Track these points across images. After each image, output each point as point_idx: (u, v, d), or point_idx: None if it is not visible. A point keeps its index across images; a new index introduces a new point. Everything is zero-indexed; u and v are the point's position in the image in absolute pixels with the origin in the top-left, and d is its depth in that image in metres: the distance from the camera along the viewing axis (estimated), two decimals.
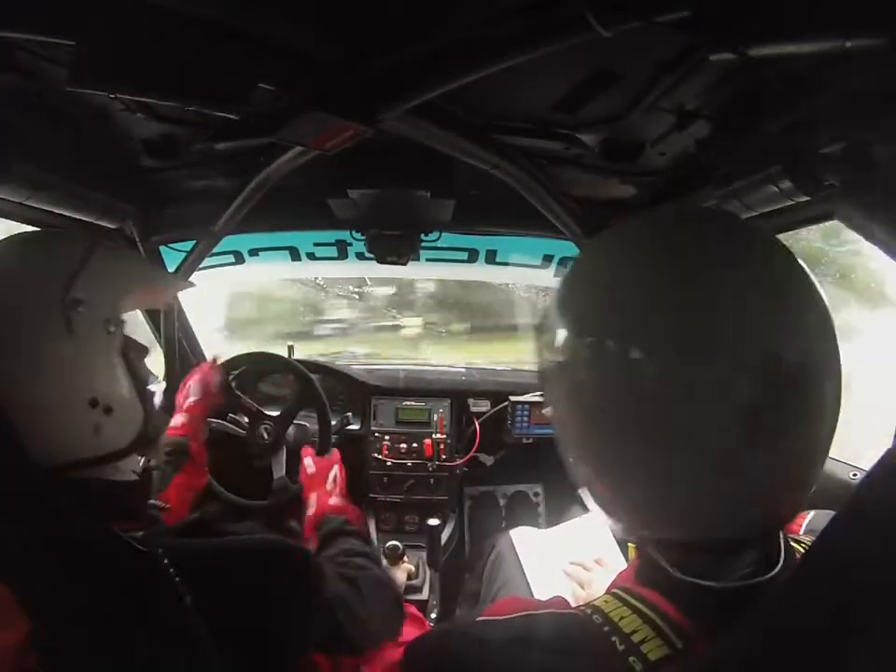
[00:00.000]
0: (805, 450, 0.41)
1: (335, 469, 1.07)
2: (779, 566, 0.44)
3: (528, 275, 1.65)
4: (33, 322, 0.56)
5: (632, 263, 0.45)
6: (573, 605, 0.51)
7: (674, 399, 0.40)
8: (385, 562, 1.21)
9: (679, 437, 0.40)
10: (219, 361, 1.27)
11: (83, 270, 0.60)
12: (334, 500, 0.99)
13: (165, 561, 0.48)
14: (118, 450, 0.60)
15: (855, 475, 0.96)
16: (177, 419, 1.10)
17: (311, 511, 0.96)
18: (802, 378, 0.39)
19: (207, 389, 1.16)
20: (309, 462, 1.10)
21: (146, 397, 0.65)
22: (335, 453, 1.15)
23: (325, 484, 1.03)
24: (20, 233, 0.67)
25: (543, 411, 0.53)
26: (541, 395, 0.52)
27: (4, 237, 0.66)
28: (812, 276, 0.43)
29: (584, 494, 0.50)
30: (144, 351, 0.68)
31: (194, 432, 1.08)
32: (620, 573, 0.57)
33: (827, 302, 0.42)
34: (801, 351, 0.40)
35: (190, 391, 1.15)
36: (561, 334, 0.46)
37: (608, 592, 0.50)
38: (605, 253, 0.50)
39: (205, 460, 1.08)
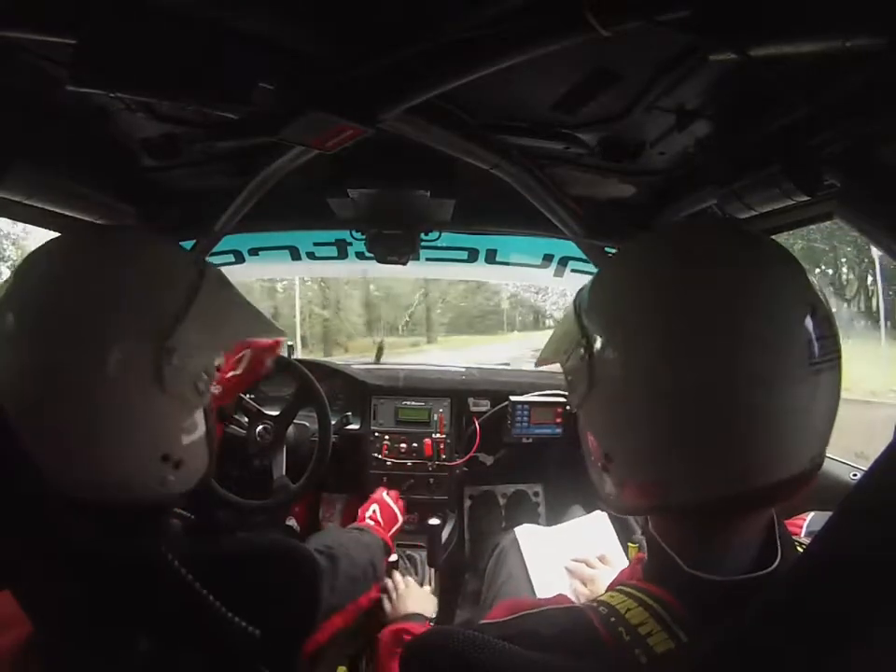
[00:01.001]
0: (832, 388, 0.45)
1: (373, 506, 1.15)
2: (778, 559, 0.45)
3: (528, 275, 1.65)
4: (119, 361, 0.48)
5: (658, 270, 0.49)
6: (575, 602, 0.51)
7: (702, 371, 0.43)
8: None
9: (704, 400, 0.43)
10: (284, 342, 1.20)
11: (186, 315, 0.51)
12: (371, 525, 1.07)
13: (175, 563, 0.48)
14: (173, 496, 0.57)
15: (855, 475, 0.96)
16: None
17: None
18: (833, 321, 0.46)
19: (256, 368, 1.09)
20: (377, 510, 1.18)
21: (212, 446, 0.61)
22: (379, 491, 1.23)
23: (364, 521, 1.11)
24: (122, 235, 0.55)
25: (569, 405, 0.55)
26: (570, 385, 0.54)
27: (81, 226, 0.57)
28: (815, 280, 0.48)
29: (603, 479, 0.52)
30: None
31: (224, 406, 1.06)
32: (621, 571, 0.57)
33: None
34: (826, 307, 0.45)
35: (238, 363, 1.07)
36: (600, 335, 0.50)
37: (612, 588, 0.51)
38: (636, 260, 0.53)
39: (219, 439, 1.06)
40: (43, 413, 0.47)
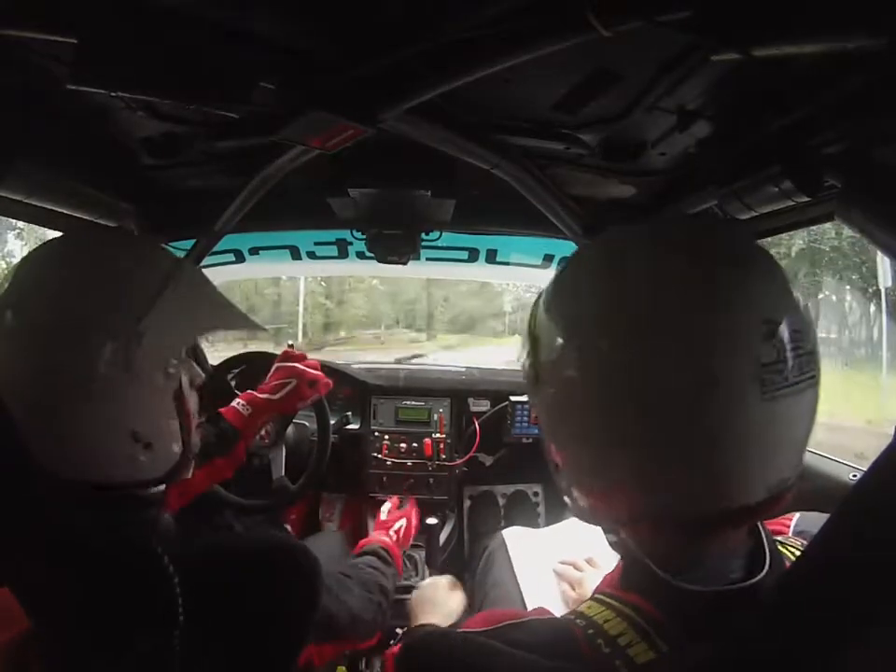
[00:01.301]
0: (799, 411, 0.42)
1: (402, 522, 1.16)
2: (766, 569, 0.44)
3: (528, 275, 1.65)
4: (94, 345, 0.53)
5: (616, 268, 0.46)
6: (563, 604, 0.51)
7: (657, 379, 0.41)
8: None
9: (670, 415, 0.41)
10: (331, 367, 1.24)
11: (157, 302, 0.56)
12: (384, 538, 1.07)
13: (165, 559, 0.48)
14: (147, 480, 0.60)
15: (854, 476, 0.96)
16: (239, 403, 1.04)
17: (362, 541, 1.06)
18: (803, 337, 0.42)
19: (294, 401, 1.10)
20: (385, 510, 1.25)
21: (188, 435, 0.63)
22: (411, 507, 1.28)
23: (388, 531, 1.12)
24: (103, 233, 0.63)
25: (531, 407, 0.54)
26: (527, 392, 0.53)
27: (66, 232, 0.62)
28: (783, 270, 0.45)
29: (571, 494, 0.50)
30: (199, 379, 0.66)
31: (249, 429, 1.03)
32: (603, 579, 0.57)
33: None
34: (794, 322, 0.42)
35: (277, 388, 1.08)
36: (553, 335, 0.47)
37: (591, 597, 0.50)
38: (595, 258, 0.51)
39: (238, 464, 1.04)
40: (20, 393, 0.50)
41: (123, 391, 0.55)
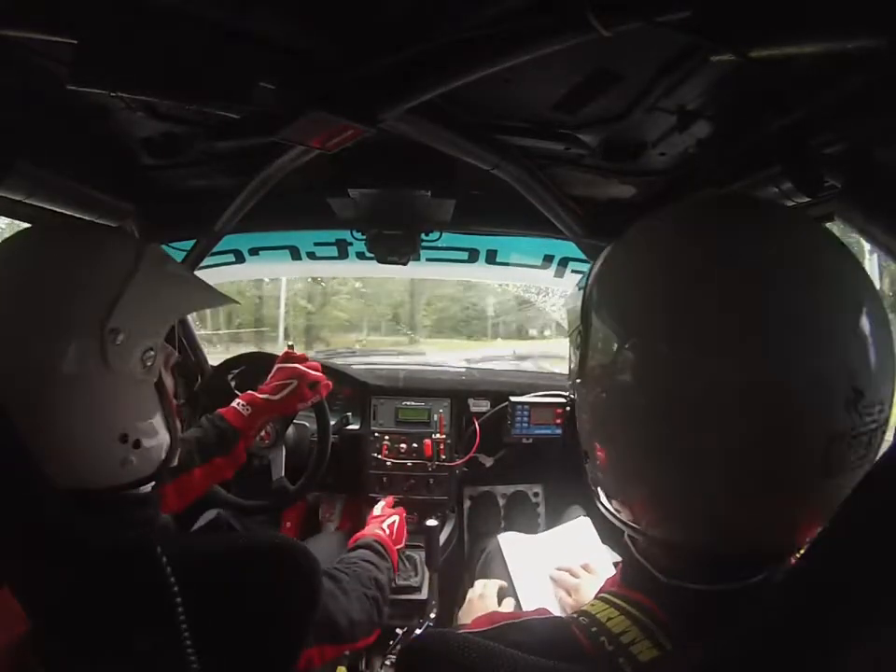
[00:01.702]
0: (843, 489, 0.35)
1: (394, 518, 1.17)
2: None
3: (529, 275, 1.65)
4: (66, 347, 0.51)
5: (671, 261, 0.42)
6: (559, 611, 0.51)
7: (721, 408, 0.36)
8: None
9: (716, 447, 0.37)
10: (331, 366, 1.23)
11: (125, 293, 0.54)
12: (378, 531, 1.08)
13: (164, 560, 0.48)
14: (140, 478, 0.59)
15: None
16: (239, 403, 1.04)
17: (356, 535, 1.07)
18: (886, 407, 0.36)
19: (294, 402, 1.10)
20: (378, 507, 1.27)
21: (173, 423, 0.63)
22: (401, 509, 1.28)
23: (382, 524, 1.12)
24: (55, 225, 0.59)
25: (559, 399, 0.53)
26: (571, 388, 0.51)
27: (25, 228, 0.58)
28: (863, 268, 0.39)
29: (600, 489, 0.49)
30: (172, 358, 0.65)
31: (249, 429, 1.03)
32: (607, 579, 0.57)
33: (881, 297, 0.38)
34: (887, 380, 0.36)
35: (278, 389, 1.08)
36: (600, 334, 0.46)
37: (596, 596, 0.50)
38: (648, 252, 0.46)
39: (238, 465, 1.03)
40: (11, 400, 0.48)
41: (105, 391, 0.53)
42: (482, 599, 0.96)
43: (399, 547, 1.10)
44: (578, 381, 0.49)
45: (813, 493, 0.36)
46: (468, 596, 1.00)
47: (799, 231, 0.41)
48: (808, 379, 0.34)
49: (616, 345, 0.42)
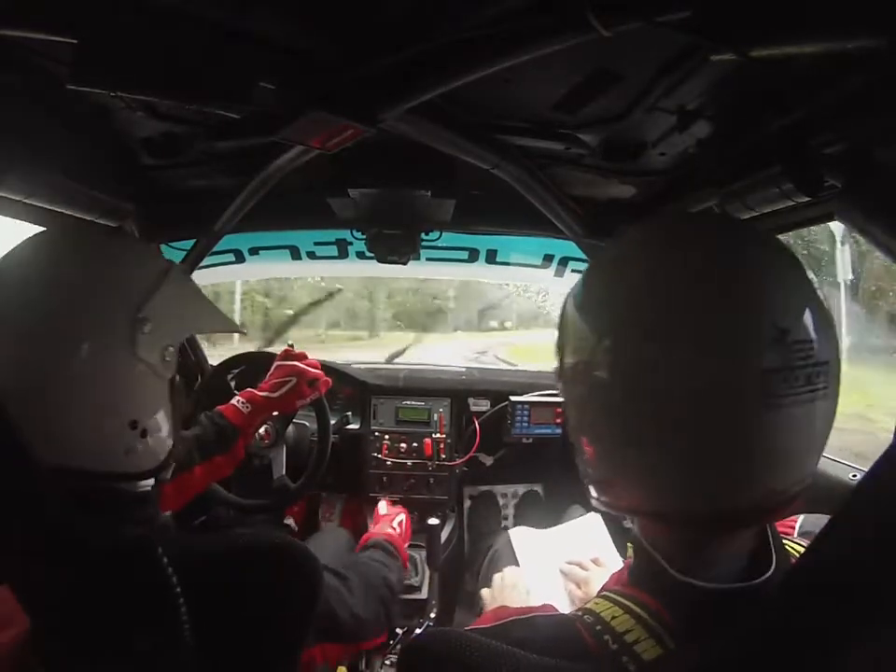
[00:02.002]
0: (807, 422, 0.41)
1: (402, 516, 1.17)
2: (772, 568, 0.44)
3: (529, 275, 1.65)
4: (97, 328, 0.55)
5: (649, 266, 0.46)
6: (570, 604, 0.51)
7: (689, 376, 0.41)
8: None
9: (694, 414, 0.41)
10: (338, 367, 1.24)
11: (158, 291, 0.59)
12: (388, 530, 1.08)
13: (164, 560, 0.48)
14: (139, 472, 0.60)
15: (854, 476, 0.96)
16: (238, 401, 1.05)
17: (365, 535, 1.07)
18: (816, 347, 0.41)
19: (293, 399, 1.10)
20: (382, 505, 1.26)
21: (176, 424, 0.64)
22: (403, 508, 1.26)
23: (391, 523, 1.12)
24: (100, 228, 0.66)
25: (559, 398, 0.54)
26: (560, 382, 0.53)
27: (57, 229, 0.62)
28: (807, 270, 0.45)
29: (584, 473, 0.51)
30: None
31: (248, 427, 1.03)
32: (611, 576, 0.57)
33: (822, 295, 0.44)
34: (806, 330, 0.41)
35: (277, 387, 1.08)
36: (583, 332, 0.48)
37: (599, 594, 0.50)
38: (626, 256, 0.50)
39: (237, 462, 1.04)
40: (23, 381, 0.52)
41: (125, 376, 0.56)
42: (505, 590, 0.96)
43: (407, 545, 1.10)
44: (562, 378, 0.51)
45: (759, 428, 0.40)
46: (492, 587, 0.99)
47: (738, 239, 0.47)
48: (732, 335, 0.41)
49: (593, 343, 0.46)
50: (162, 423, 0.62)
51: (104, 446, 0.56)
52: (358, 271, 1.92)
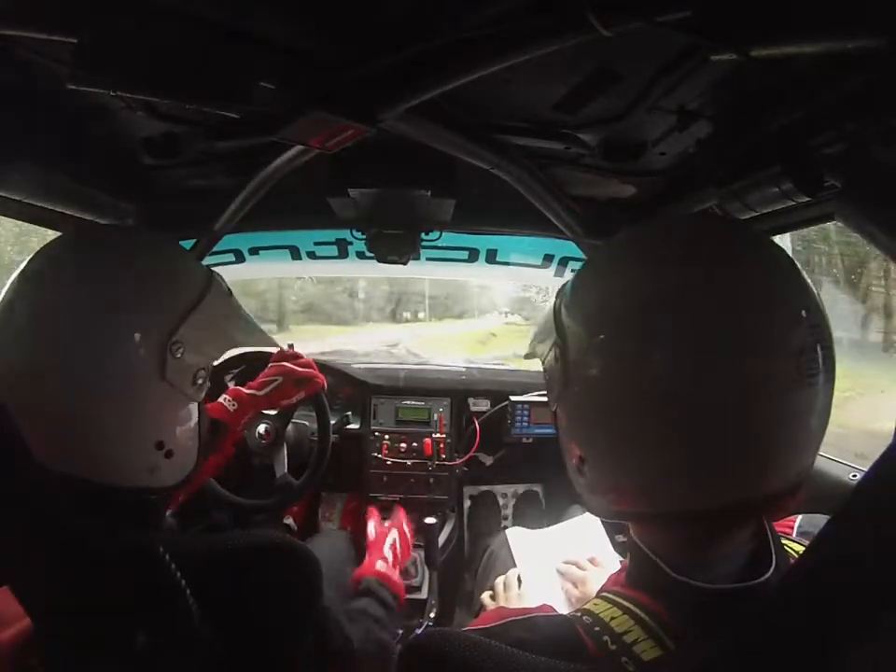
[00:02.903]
0: (800, 421, 0.43)
1: (394, 534, 1.11)
2: (772, 568, 0.44)
3: (529, 275, 1.65)
4: (130, 350, 0.53)
5: (641, 266, 0.47)
6: (566, 604, 0.51)
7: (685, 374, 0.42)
8: None
9: (688, 410, 0.42)
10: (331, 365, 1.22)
11: (195, 311, 0.56)
12: (381, 566, 1.02)
13: (167, 558, 0.48)
14: (161, 487, 0.60)
15: (854, 476, 0.96)
16: (225, 399, 1.05)
17: (358, 570, 1.01)
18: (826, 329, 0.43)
19: (279, 398, 1.10)
20: (371, 528, 1.15)
21: (202, 445, 0.64)
22: (399, 513, 1.22)
23: (382, 550, 1.06)
24: (139, 237, 0.60)
25: (549, 402, 0.54)
26: (547, 382, 0.53)
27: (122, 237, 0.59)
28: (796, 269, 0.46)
29: (578, 481, 0.51)
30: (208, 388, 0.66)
31: (234, 424, 1.03)
32: (609, 577, 0.57)
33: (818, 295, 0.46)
34: (820, 311, 0.44)
35: (263, 385, 1.09)
36: (578, 333, 0.48)
37: (597, 595, 0.50)
38: (617, 256, 0.51)
39: (227, 460, 1.04)
40: (49, 398, 0.51)
41: (154, 399, 0.55)
42: (504, 591, 0.96)
43: (408, 561, 1.08)
44: (552, 381, 0.51)
45: (793, 406, 0.42)
46: (493, 589, 0.99)
47: (741, 243, 0.48)
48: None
49: (591, 345, 0.46)
50: (189, 444, 0.61)
51: (129, 463, 0.56)
52: (358, 271, 1.93)
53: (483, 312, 5.58)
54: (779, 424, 0.41)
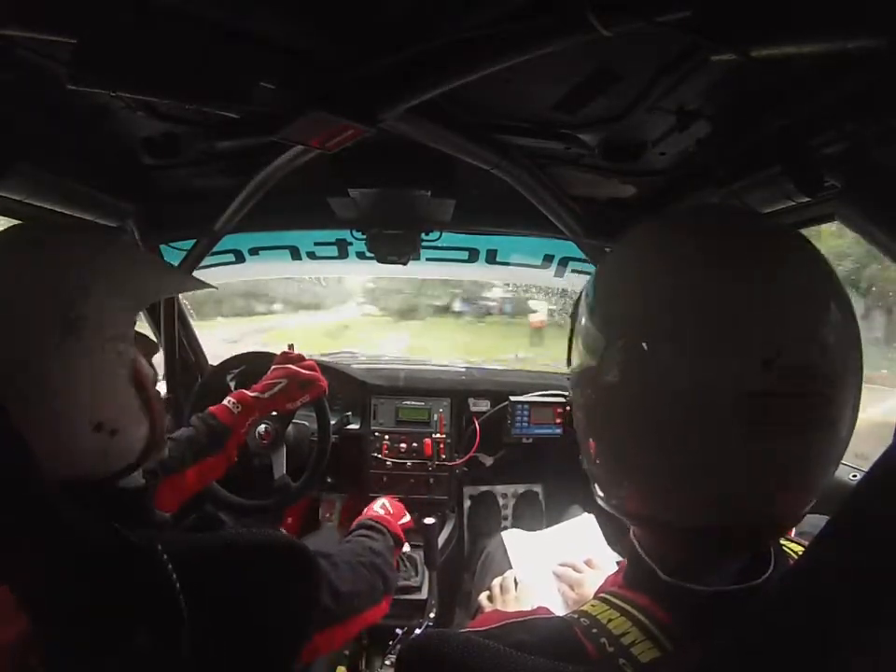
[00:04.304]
0: (813, 450, 0.40)
1: (383, 500, 1.09)
2: (770, 569, 0.44)
3: (529, 275, 1.65)
4: (32, 338, 0.52)
5: (663, 264, 0.44)
6: (563, 606, 0.51)
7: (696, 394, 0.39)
8: None
9: (696, 428, 0.40)
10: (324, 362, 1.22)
11: (90, 282, 0.55)
12: (374, 512, 1.03)
13: (164, 558, 0.48)
14: (127, 465, 0.59)
15: (854, 476, 0.96)
16: (229, 401, 1.05)
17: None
18: (818, 375, 0.38)
19: (283, 401, 1.11)
20: (386, 502, 1.10)
21: (152, 406, 0.62)
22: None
23: (373, 507, 1.05)
24: (14, 227, 0.60)
25: (559, 398, 0.54)
26: (572, 383, 0.52)
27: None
28: (838, 278, 0.42)
29: (592, 474, 0.50)
30: (153, 349, 0.65)
31: (238, 426, 1.03)
32: (607, 578, 0.57)
33: (852, 306, 0.41)
34: (818, 349, 0.39)
35: (267, 388, 1.09)
36: (595, 334, 0.47)
37: (595, 597, 0.50)
38: (642, 254, 0.48)
39: (229, 463, 1.04)
40: None
41: (77, 380, 0.54)
42: (501, 594, 0.95)
43: (403, 521, 1.05)
44: (576, 381, 0.50)
45: (744, 457, 0.39)
46: (490, 592, 0.98)
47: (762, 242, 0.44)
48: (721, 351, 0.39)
49: (604, 345, 0.45)
50: (133, 418, 0.59)
51: (76, 453, 0.55)
52: (359, 271, 1.92)
53: (341, 302, 5.42)
54: (803, 454, 0.39)
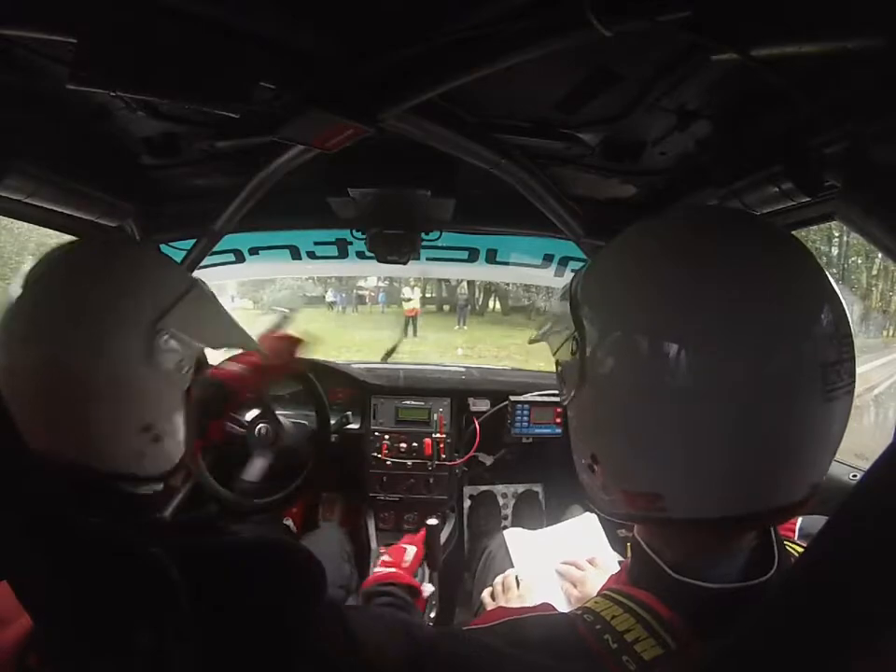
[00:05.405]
0: (819, 434, 0.42)
1: (412, 551, 0.99)
2: (774, 568, 0.44)
3: (529, 275, 1.65)
4: (117, 336, 0.57)
5: (663, 260, 0.45)
6: (566, 604, 0.51)
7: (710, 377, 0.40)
8: None
9: (705, 417, 0.41)
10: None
11: (179, 303, 0.61)
12: (386, 571, 0.93)
13: (165, 558, 0.48)
14: (150, 476, 0.62)
15: (854, 476, 0.96)
16: (232, 367, 1.07)
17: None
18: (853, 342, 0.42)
19: (280, 353, 1.12)
20: (385, 556, 1.00)
21: (190, 434, 0.66)
22: (421, 535, 1.05)
23: (402, 561, 0.96)
24: (123, 240, 0.70)
25: (561, 398, 0.53)
26: (559, 376, 0.52)
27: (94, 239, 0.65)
28: (825, 271, 0.44)
29: (589, 480, 0.50)
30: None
31: (241, 382, 1.07)
32: (610, 576, 0.57)
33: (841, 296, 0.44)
34: (847, 320, 0.42)
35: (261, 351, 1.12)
36: (596, 328, 0.46)
37: (599, 594, 0.50)
38: (643, 250, 0.48)
39: (222, 434, 1.09)
40: (46, 380, 0.54)
41: (141, 382, 0.58)
42: (504, 591, 0.96)
43: (408, 559, 0.96)
44: (580, 384, 0.48)
45: (816, 419, 0.41)
46: (492, 589, 0.98)
47: (771, 240, 0.46)
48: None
49: (611, 344, 0.45)
50: (176, 430, 0.63)
51: (116, 446, 0.58)
52: (358, 271, 1.92)
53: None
54: (799, 436, 0.41)
